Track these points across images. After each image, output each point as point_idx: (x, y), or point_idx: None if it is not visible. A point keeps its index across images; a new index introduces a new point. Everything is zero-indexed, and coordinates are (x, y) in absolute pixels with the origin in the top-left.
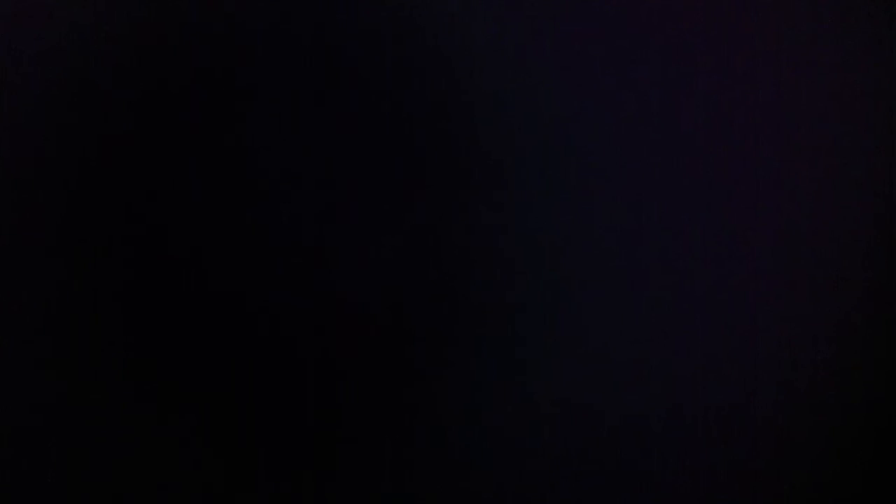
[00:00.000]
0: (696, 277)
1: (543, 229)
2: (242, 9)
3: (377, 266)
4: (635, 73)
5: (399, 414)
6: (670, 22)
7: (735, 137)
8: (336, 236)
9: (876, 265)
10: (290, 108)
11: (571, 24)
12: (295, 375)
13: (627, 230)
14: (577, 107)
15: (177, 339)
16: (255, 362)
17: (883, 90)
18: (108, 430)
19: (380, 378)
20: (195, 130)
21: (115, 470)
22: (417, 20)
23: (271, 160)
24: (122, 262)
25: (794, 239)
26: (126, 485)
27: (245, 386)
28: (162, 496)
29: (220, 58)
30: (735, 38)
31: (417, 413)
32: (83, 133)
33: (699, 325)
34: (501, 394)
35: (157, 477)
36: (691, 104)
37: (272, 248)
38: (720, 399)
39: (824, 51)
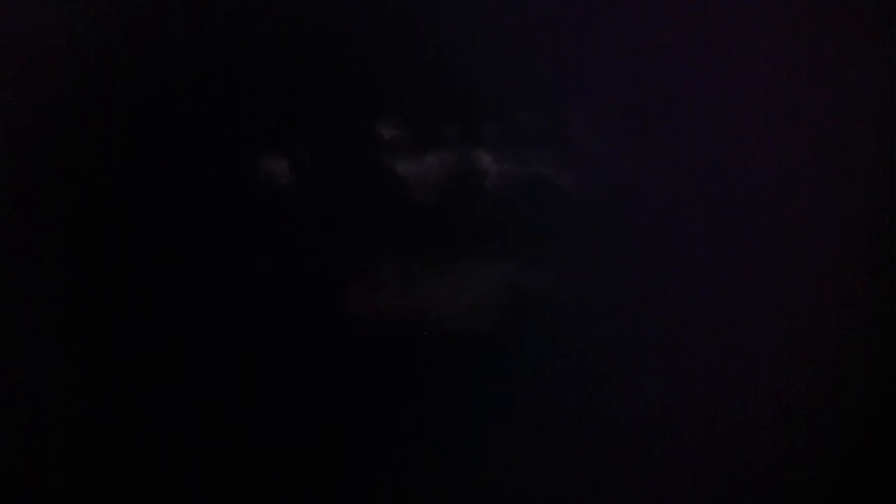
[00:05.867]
0: (697, 277)
1: (545, 230)
2: (243, 8)
3: (377, 265)
4: (636, 73)
5: (400, 413)
6: (670, 22)
7: (735, 137)
8: (337, 235)
9: (876, 265)
10: (291, 107)
11: (573, 23)
12: (298, 375)
13: (628, 230)
14: (578, 106)
15: (177, 339)
16: (256, 362)
17: (883, 90)
18: (110, 430)
19: (382, 378)
20: (197, 129)
21: (116, 470)
22: (419, 17)
23: (272, 160)
24: (123, 263)
25: (794, 239)
26: (128, 485)
27: (247, 385)
28: (162, 497)
29: (221, 57)
30: (735, 37)
31: (417, 411)
32: (82, 134)
33: (699, 325)
34: (501, 393)
35: (157, 477)
36: (691, 104)
37: (272, 247)
38: (719, 399)
39: (824, 51)
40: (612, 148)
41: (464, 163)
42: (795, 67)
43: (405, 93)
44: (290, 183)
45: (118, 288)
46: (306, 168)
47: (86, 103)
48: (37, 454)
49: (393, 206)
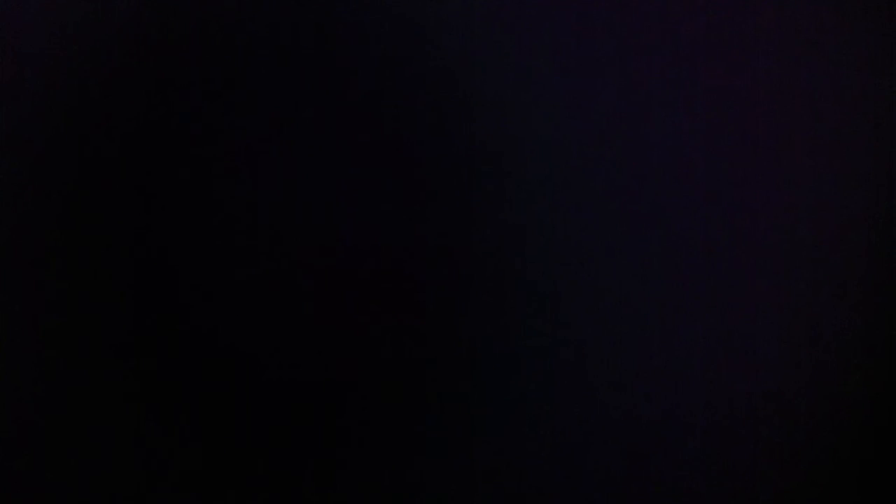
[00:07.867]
0: (697, 277)
1: (544, 231)
2: (242, 9)
3: (375, 268)
4: (636, 73)
5: (398, 417)
6: (670, 21)
7: (735, 137)
8: (337, 239)
9: (876, 265)
10: (289, 110)
11: (572, 23)
12: (297, 380)
13: (627, 231)
14: (577, 106)
15: (176, 345)
16: (254, 367)
17: (883, 90)
18: (109, 433)
19: (378, 384)
20: (196, 131)
21: (115, 471)
22: (418, 19)
23: (271, 163)
24: (122, 265)
25: (794, 239)
26: (127, 486)
27: (246, 389)
28: (161, 498)
29: (220, 58)
30: (734, 37)
31: (415, 414)
32: (82, 134)
33: (699, 326)
34: (501, 395)
35: (156, 479)
36: (691, 104)
37: (270, 250)
38: (719, 399)
39: (824, 50)
40: (611, 148)
41: (464, 166)
42: (795, 67)
43: (402, 95)
44: (290, 185)
45: (115, 289)
46: (307, 170)
47: (83, 102)
48: (36, 454)
49: (391, 206)
